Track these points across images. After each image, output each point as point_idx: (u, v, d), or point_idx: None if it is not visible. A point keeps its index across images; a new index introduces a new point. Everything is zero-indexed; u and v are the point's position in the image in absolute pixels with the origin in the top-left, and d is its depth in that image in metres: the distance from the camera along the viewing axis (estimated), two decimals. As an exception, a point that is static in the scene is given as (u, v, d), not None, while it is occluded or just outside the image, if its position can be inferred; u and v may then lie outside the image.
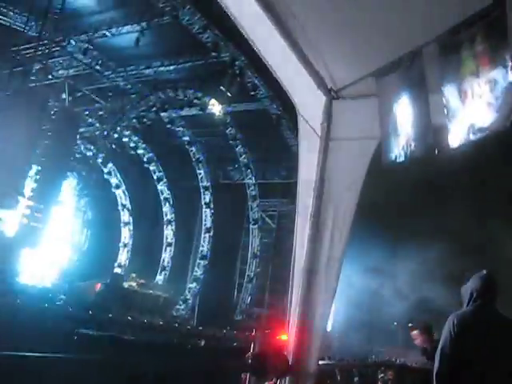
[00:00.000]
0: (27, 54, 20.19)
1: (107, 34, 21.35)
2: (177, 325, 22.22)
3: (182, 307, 26.52)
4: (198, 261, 27.60)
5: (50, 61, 20.96)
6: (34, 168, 19.83)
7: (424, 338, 7.18)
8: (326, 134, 4.34)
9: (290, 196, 25.02)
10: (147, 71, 23.70)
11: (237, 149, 26.71)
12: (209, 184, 28.30)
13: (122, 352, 11.78)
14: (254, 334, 20.52)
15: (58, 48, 21.14)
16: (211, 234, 27.89)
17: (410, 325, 7.79)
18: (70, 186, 22.74)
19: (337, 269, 4.35)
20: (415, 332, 7.32)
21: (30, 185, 19.69)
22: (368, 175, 4.23)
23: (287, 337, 4.68)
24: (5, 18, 20.05)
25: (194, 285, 27.14)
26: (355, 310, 17.37)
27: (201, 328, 22.25)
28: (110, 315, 18.97)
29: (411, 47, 3.69)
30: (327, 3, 3.63)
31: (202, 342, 18.02)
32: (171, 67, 23.22)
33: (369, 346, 18.52)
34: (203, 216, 28.30)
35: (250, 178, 27.39)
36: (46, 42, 20.19)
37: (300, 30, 3.81)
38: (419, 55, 3.68)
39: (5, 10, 19.89)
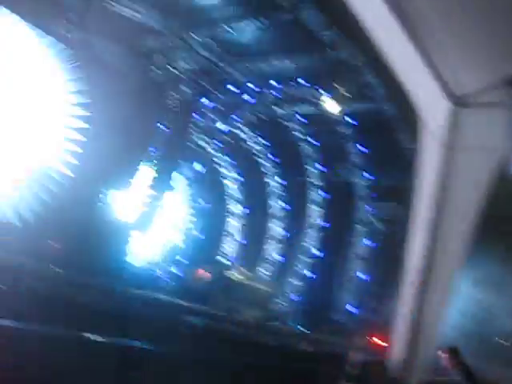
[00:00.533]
0: (151, 46, 20.94)
1: (227, 28, 21.68)
2: (277, 323, 22.31)
3: (283, 303, 26.60)
4: (303, 258, 27.57)
5: (172, 53, 21.58)
6: (151, 154, 20.61)
7: (453, 362, 6.75)
8: (448, 141, 4.12)
9: (402, 200, 24.38)
10: (264, 66, 23.85)
11: (349, 149, 26.38)
12: (319, 182, 28.15)
13: (223, 347, 11.91)
14: (355, 338, 20.31)
15: (180, 41, 21.71)
16: (319, 232, 27.76)
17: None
18: (182, 174, 23.37)
19: (452, 279, 4.14)
20: (445, 355, 6.90)
21: (144, 171, 20.46)
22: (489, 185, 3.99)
23: (391, 344, 4.51)
24: (132, 12, 20.83)
25: (297, 282, 27.13)
26: (465, 323, 16.68)
27: (301, 328, 22.20)
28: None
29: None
30: (457, 5, 3.43)
31: (309, 348, 17.86)
32: (288, 63, 23.23)
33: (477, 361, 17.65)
34: (312, 213, 28.22)
35: (361, 179, 26.97)
36: (168, 35, 20.88)
37: (428, 32, 3.62)
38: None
39: (134, 5, 20.66)
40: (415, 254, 4.45)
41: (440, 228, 4.17)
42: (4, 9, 15.29)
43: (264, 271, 28.30)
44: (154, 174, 20.64)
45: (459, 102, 4.18)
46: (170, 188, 22.17)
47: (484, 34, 3.53)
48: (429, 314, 4.29)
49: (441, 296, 4.28)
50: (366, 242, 26.98)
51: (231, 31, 21.57)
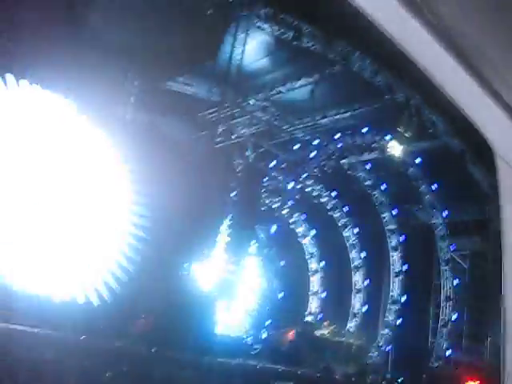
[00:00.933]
0: (212, 117, 21.63)
1: (282, 90, 22.23)
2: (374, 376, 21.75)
3: (375, 354, 25.93)
4: (389, 306, 26.96)
5: (233, 121, 22.19)
6: (225, 223, 20.96)
7: None
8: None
9: (482, 234, 23.72)
10: (324, 121, 24.16)
11: (421, 188, 26.05)
12: (395, 227, 27.77)
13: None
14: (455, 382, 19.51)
15: (238, 109, 22.34)
16: (401, 277, 27.19)
17: None
18: (259, 238, 23.55)
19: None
20: None
21: (222, 239, 20.79)
22: None
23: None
24: (189, 88, 21.66)
25: (387, 331, 26.46)
26: None
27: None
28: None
29: None
30: (501, 22, 3.44)
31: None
32: (347, 114, 23.45)
33: None
34: (392, 260, 27.74)
35: (437, 218, 26.45)
36: (227, 104, 21.54)
37: (484, 59, 3.64)
38: None
39: (189, 81, 21.51)
40: (510, 283, 4.30)
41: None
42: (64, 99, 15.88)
43: (351, 324, 27.76)
44: (231, 242, 20.91)
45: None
46: (248, 253, 22.36)
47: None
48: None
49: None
50: (451, 281, 26.18)
51: (287, 91, 22.06)
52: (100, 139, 16.66)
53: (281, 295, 24.17)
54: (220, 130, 21.07)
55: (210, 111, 21.72)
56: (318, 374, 19.41)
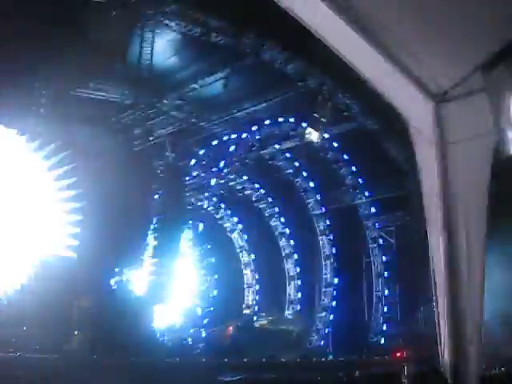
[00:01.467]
0: (127, 121, 21.23)
1: (196, 86, 22.05)
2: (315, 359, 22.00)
3: (316, 338, 26.32)
4: (323, 289, 27.40)
5: (149, 123, 21.86)
6: (152, 225, 20.68)
7: None
8: (439, 139, 4.17)
9: (405, 209, 24.42)
10: (240, 113, 24.15)
11: (342, 171, 26.57)
12: (320, 211, 28.19)
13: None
14: (401, 355, 20.02)
15: (153, 110, 22.01)
16: (332, 260, 27.67)
17: None
18: (187, 238, 23.37)
19: (479, 273, 4.12)
20: None
21: (151, 242, 20.51)
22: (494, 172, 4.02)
23: (439, 350, 4.47)
24: (101, 93, 21.15)
25: (324, 314, 26.90)
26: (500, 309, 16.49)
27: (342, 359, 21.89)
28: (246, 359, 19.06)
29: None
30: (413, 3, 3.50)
31: (356, 373, 17.47)
32: (263, 105, 23.55)
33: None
34: (321, 244, 28.16)
35: (360, 198, 27.07)
36: (141, 106, 21.20)
37: (389, 35, 3.69)
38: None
39: (100, 86, 21.00)
40: (438, 255, 4.42)
41: (454, 222, 4.18)
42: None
43: (289, 312, 28.02)
44: (160, 244, 20.65)
45: (440, 98, 4.24)
46: (179, 253, 22.16)
47: (449, 27, 3.61)
48: (468, 310, 4.26)
49: (476, 288, 4.25)
50: (381, 257, 26.88)
51: (201, 88, 21.90)
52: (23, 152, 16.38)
53: (216, 292, 24.07)
54: (137, 132, 20.72)
55: (125, 114, 21.30)
56: (264, 362, 19.42)
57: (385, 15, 3.60)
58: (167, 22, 19.00)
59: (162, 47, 20.07)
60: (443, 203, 4.16)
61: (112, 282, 18.75)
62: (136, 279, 19.81)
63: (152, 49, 19.06)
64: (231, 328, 22.69)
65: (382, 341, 24.89)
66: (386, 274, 26.63)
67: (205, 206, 24.61)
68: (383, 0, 3.54)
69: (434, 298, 4.83)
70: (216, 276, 24.23)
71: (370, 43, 3.69)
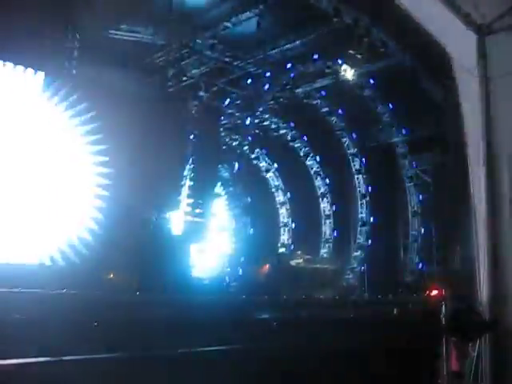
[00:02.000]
0: (160, 62, 21.08)
1: (228, 25, 21.69)
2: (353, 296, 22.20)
3: (351, 276, 26.54)
4: (359, 228, 27.44)
5: (182, 63, 21.66)
6: (187, 166, 20.77)
7: None
8: (482, 73, 4.03)
9: (443, 147, 24.00)
10: (274, 52, 23.76)
11: (378, 109, 26.14)
12: (356, 150, 27.97)
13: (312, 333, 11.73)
14: (438, 294, 20.07)
15: (186, 50, 21.78)
16: (368, 199, 27.60)
17: None
18: (223, 177, 23.47)
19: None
20: None
21: (186, 183, 20.65)
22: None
23: (477, 288, 4.47)
24: (133, 34, 21.00)
25: (359, 252, 27.03)
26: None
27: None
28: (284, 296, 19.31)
29: None
30: None
31: (395, 311, 17.56)
32: (297, 42, 23.10)
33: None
34: (357, 182, 28.06)
35: (396, 136, 26.70)
36: (174, 46, 20.99)
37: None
38: None
39: (131, 27, 20.83)
40: (479, 191, 4.35)
41: (496, 157, 4.09)
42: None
43: (324, 251, 28.23)
44: (195, 185, 20.78)
45: (484, 31, 4.07)
46: (214, 194, 22.34)
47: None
48: (508, 248, 4.22)
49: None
50: (417, 196, 26.68)
51: (233, 26, 21.56)
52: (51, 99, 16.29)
53: (251, 231, 24.30)
54: (170, 73, 20.59)
55: (158, 55, 21.14)
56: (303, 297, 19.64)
57: None
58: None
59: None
60: (485, 138, 4.06)
61: (149, 221, 19.00)
62: (173, 219, 20.04)
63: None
64: (266, 267, 23.00)
65: (418, 279, 24.96)
66: (422, 212, 26.47)
67: (240, 146, 24.55)
68: None
69: (473, 238, 4.79)
70: (251, 215, 24.39)
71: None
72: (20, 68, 15.42)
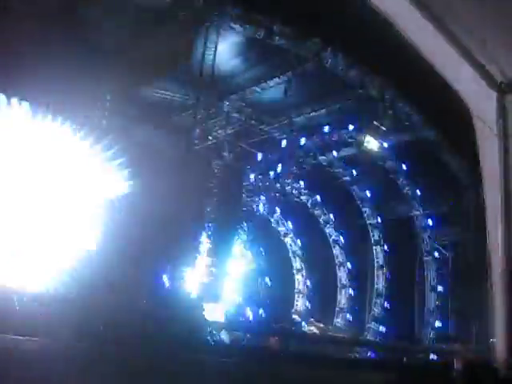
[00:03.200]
0: (188, 120, 21.53)
1: (257, 89, 22.26)
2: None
3: (365, 348, 25.97)
4: (374, 299, 27.05)
5: (209, 123, 22.10)
6: (207, 225, 20.89)
7: None
8: (502, 131, 4.09)
9: (463, 223, 23.90)
10: (299, 119, 24.21)
11: (399, 181, 26.20)
12: (376, 221, 27.90)
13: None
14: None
15: (214, 110, 22.26)
16: (385, 271, 27.31)
17: None
18: (241, 239, 23.47)
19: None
20: None
21: (204, 242, 20.69)
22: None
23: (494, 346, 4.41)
24: (164, 92, 21.60)
25: (374, 324, 26.54)
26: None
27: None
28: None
29: None
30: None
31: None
32: (322, 111, 23.53)
33: None
34: (375, 253, 27.86)
35: (417, 210, 26.64)
36: (202, 106, 21.48)
37: (462, 26, 3.68)
38: None
39: (163, 85, 21.47)
40: (497, 257, 4.34)
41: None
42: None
43: (338, 320, 27.79)
44: (214, 244, 20.83)
45: (504, 88, 4.16)
46: (231, 254, 22.30)
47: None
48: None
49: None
50: (435, 271, 26.35)
51: (262, 91, 22.09)
52: (81, 147, 16.77)
53: (266, 295, 24.07)
54: (197, 132, 20.96)
55: (186, 114, 21.62)
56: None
57: (454, 2, 3.59)
58: (231, 24, 19.21)
59: (226, 49, 20.29)
60: (504, 195, 4.08)
61: (165, 280, 18.93)
62: (189, 279, 19.98)
63: (216, 50, 19.26)
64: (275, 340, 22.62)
65: (432, 356, 24.36)
66: (439, 287, 26.08)
67: (260, 209, 24.65)
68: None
69: (490, 307, 4.75)
70: (267, 279, 24.24)
71: (438, 29, 3.68)
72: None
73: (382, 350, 21.29)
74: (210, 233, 21.39)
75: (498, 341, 4.34)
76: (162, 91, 21.66)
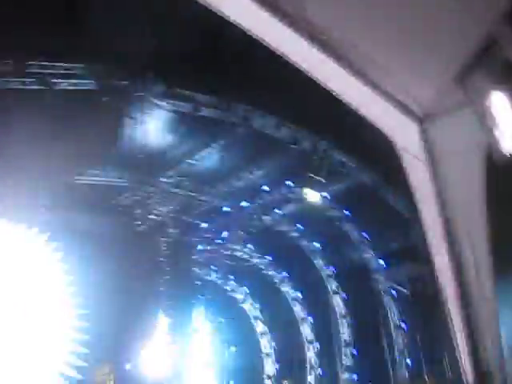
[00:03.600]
0: (127, 202, 21.40)
1: (192, 162, 22.37)
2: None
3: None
4: (343, 349, 26.81)
5: (149, 202, 22.00)
6: (163, 304, 20.51)
7: None
8: (429, 157, 4.21)
9: (417, 259, 24.13)
10: (239, 183, 24.35)
11: (345, 228, 26.42)
12: (330, 271, 27.94)
13: None
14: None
15: (152, 189, 22.21)
16: (348, 318, 27.22)
17: None
18: (200, 312, 23.11)
19: (492, 289, 4.09)
20: None
21: (163, 321, 20.27)
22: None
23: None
24: (98, 178, 21.51)
25: (347, 375, 26.20)
26: None
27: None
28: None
29: (485, 39, 3.57)
30: (380, 20, 3.60)
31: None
32: (259, 172, 23.77)
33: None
34: (335, 303, 27.77)
35: (367, 252, 26.82)
36: (139, 187, 21.45)
37: (366, 59, 3.80)
38: (497, 44, 3.54)
39: (97, 172, 21.39)
40: (448, 282, 4.41)
41: (456, 235, 4.18)
42: None
43: (311, 378, 27.34)
44: (172, 320, 20.41)
45: (423, 118, 4.32)
46: (192, 329, 21.87)
47: (417, 40, 3.73)
48: (486, 333, 4.24)
49: (491, 312, 4.23)
50: (396, 310, 26.39)
51: (197, 162, 22.22)
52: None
53: (234, 363, 23.60)
54: (137, 212, 20.82)
55: (124, 196, 21.48)
56: None
57: (359, 40, 3.73)
58: (157, 101, 19.43)
59: (156, 126, 20.48)
60: (442, 219, 4.16)
61: (127, 364, 18.40)
62: (151, 359, 19.42)
63: (145, 129, 19.38)
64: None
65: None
66: (403, 325, 26.06)
67: (213, 279, 24.42)
68: (345, 16, 3.67)
69: (450, 331, 4.78)
70: (233, 348, 23.80)
71: (347, 69, 3.81)
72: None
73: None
74: (167, 310, 20.97)
75: (466, 364, 4.37)
76: (97, 177, 21.53)
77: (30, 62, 17.07)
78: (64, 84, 17.65)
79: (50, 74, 17.44)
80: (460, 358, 4.60)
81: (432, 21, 3.57)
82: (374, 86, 4.01)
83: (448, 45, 3.72)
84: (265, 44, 3.66)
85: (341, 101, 4.59)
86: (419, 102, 4.22)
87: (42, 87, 17.25)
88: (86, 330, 17.00)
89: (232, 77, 17.87)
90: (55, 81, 17.50)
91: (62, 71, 17.64)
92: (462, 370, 4.65)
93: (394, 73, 3.97)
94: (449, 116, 4.21)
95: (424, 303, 23.11)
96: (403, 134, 4.47)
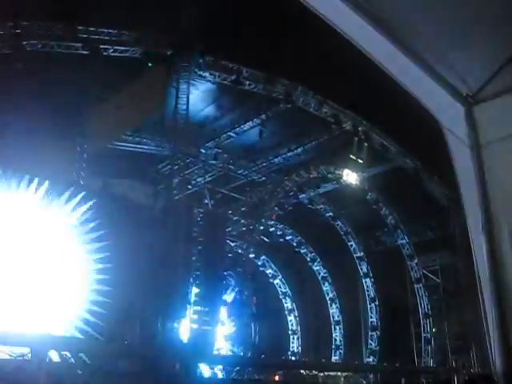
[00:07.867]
0: (166, 171, 21.58)
1: (232, 134, 22.43)
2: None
3: (365, 383, 25.64)
4: (370, 333, 26.84)
5: (187, 172, 22.15)
6: (194, 274, 20.69)
7: None
8: (474, 142, 4.13)
9: (449, 247, 23.94)
10: (277, 160, 24.37)
11: (381, 212, 26.26)
12: (362, 254, 27.86)
13: None
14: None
15: (191, 159, 22.36)
16: (377, 302, 27.18)
17: None
18: (229, 285, 23.28)
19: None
20: None
21: (193, 291, 20.48)
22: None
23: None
24: (140, 146, 21.70)
25: (372, 358, 26.26)
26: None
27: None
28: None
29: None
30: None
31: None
32: (299, 150, 23.72)
33: None
34: (365, 286, 27.75)
35: (402, 238, 26.64)
36: (179, 156, 21.56)
37: (421, 40, 3.73)
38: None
39: (138, 139, 21.58)
40: (482, 260, 4.31)
41: (496, 223, 4.10)
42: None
43: (336, 357, 27.45)
44: (202, 292, 20.62)
45: (470, 100, 4.22)
46: (221, 301, 22.07)
47: (472, 24, 3.64)
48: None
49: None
50: (427, 297, 26.25)
51: (237, 135, 22.28)
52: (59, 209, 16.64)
53: (260, 339, 23.82)
54: (175, 182, 20.98)
55: (163, 165, 21.67)
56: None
57: (411, 15, 3.65)
58: (201, 72, 19.49)
59: (198, 97, 20.55)
60: (483, 206, 4.09)
61: (156, 331, 18.66)
62: (181, 328, 19.69)
63: (188, 99, 19.45)
64: (277, 376, 22.31)
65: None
66: (433, 314, 25.94)
67: (245, 253, 24.54)
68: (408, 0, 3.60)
69: (482, 313, 4.74)
70: (259, 323, 24.01)
71: (398, 47, 3.75)
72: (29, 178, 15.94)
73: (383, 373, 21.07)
74: (197, 281, 21.18)
75: (496, 355, 4.31)
76: (138, 144, 21.77)
77: (79, 27, 17.22)
78: (111, 51, 17.80)
79: (99, 39, 17.60)
80: (491, 351, 4.54)
81: (488, 4, 3.49)
82: (425, 65, 3.94)
83: (502, 28, 3.62)
84: (317, 21, 3.61)
85: (385, 82, 4.51)
86: (468, 83, 4.13)
87: (89, 52, 17.43)
88: (119, 296, 17.20)
89: (277, 52, 17.81)
90: (103, 47, 17.65)
91: (110, 38, 17.79)
92: (491, 364, 4.59)
93: (445, 53, 3.89)
94: (498, 100, 4.11)
95: (456, 294, 22.94)
96: (449, 116, 4.38)
